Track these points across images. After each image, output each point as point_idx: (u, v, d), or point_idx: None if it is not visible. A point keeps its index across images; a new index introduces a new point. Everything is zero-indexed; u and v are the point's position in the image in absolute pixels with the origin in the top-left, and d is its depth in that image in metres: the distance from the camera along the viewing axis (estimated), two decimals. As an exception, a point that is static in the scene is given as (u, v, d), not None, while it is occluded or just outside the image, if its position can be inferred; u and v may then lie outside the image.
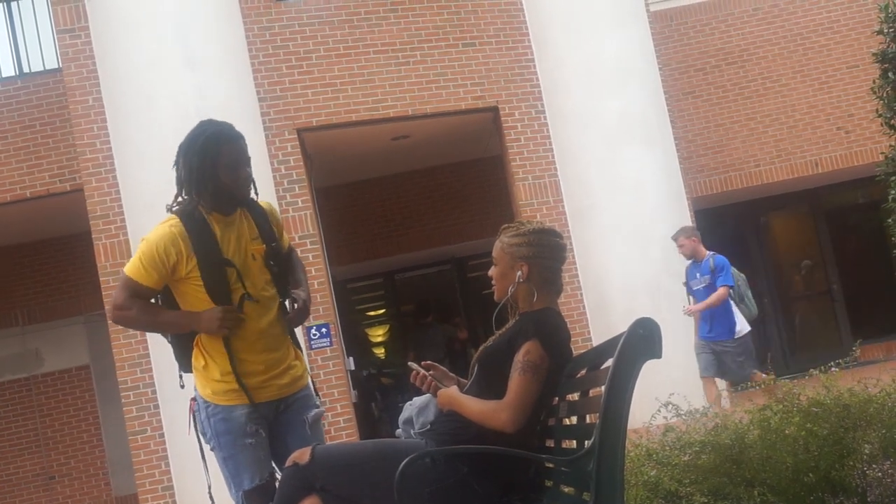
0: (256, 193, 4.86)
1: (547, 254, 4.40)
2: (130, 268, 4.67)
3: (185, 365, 4.89)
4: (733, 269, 11.88)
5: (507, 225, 4.54)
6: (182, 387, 4.97)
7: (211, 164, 4.63)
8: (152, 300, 4.77)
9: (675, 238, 12.09)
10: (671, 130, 14.48)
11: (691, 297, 12.14)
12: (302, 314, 4.87)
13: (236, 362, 4.69)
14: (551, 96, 14.18)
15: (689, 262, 12.09)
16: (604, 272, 13.81)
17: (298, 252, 12.24)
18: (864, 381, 6.48)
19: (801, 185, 18.23)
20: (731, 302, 11.82)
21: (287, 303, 4.88)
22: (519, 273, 4.36)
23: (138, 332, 12.24)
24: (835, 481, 5.80)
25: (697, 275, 11.95)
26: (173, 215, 4.69)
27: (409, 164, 16.87)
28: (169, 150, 4.82)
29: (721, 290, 11.63)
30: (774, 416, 6.15)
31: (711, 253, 11.91)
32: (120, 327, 12.29)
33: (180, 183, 4.74)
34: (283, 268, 4.93)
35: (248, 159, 4.74)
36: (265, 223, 4.89)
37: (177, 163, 4.74)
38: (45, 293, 16.63)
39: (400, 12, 13.82)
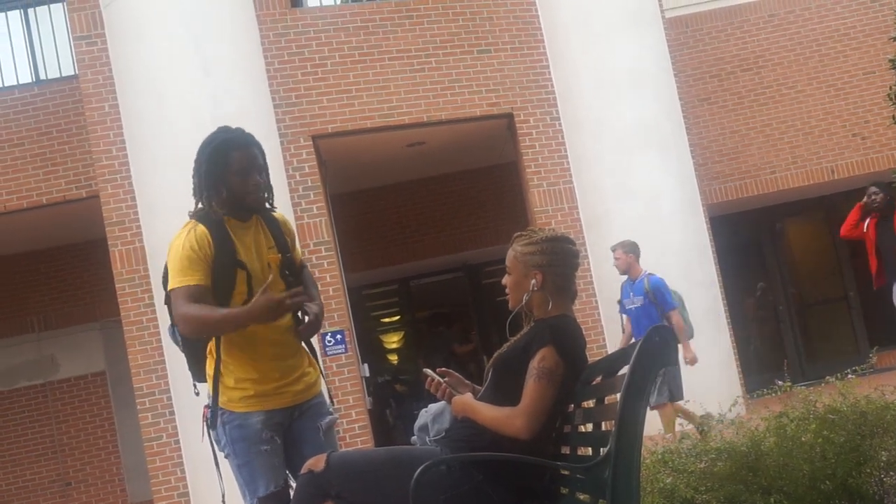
0: (272, 202, 4.85)
1: (560, 261, 4.40)
2: (173, 281, 4.58)
3: (199, 374, 4.88)
4: (671, 289, 11.49)
5: (519, 233, 4.53)
6: (197, 394, 4.96)
7: (221, 170, 4.64)
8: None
9: (612, 249, 11.73)
10: (686, 137, 14.46)
11: (624, 316, 11.77)
12: (313, 328, 4.85)
13: (245, 368, 4.69)
14: (566, 103, 14.17)
15: (624, 279, 11.68)
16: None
17: (313, 259, 12.28)
18: (880, 388, 6.46)
19: (817, 192, 18.18)
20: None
21: (299, 315, 4.87)
22: (533, 281, 4.36)
23: (154, 339, 12.30)
24: (852, 489, 5.77)
25: (631, 294, 11.52)
26: (192, 220, 4.69)
27: (424, 170, 16.88)
28: (184, 157, 4.83)
29: (674, 318, 11.10)
30: (791, 423, 6.13)
31: (647, 272, 11.45)
32: (136, 332, 12.36)
33: (195, 189, 4.75)
34: (297, 279, 4.93)
35: (260, 166, 4.72)
36: (279, 234, 4.89)
37: (193, 169, 4.76)
38: (60, 300, 16.68)
39: (415, 19, 13.84)
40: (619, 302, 11.78)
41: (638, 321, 11.37)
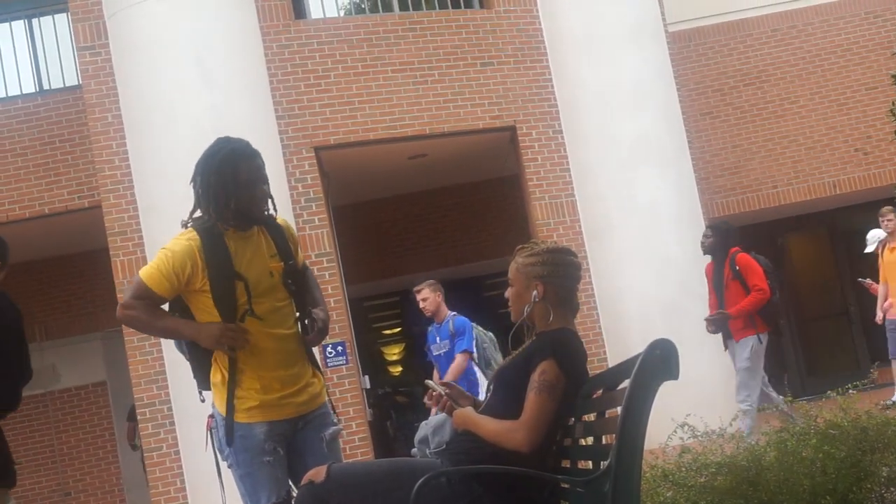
0: (275, 210, 4.87)
1: (562, 273, 4.41)
2: (146, 272, 4.67)
3: (203, 381, 4.89)
4: (479, 330, 10.74)
5: (521, 246, 4.54)
6: (202, 401, 4.97)
7: (228, 181, 4.65)
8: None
9: (417, 290, 10.80)
10: (688, 151, 14.47)
11: (436, 365, 10.85)
12: (321, 334, 4.87)
13: (248, 378, 4.69)
14: (569, 116, 14.18)
15: (432, 323, 10.83)
16: (620, 293, 13.79)
17: (315, 270, 12.28)
18: (881, 403, 6.46)
19: (819, 207, 18.18)
20: (476, 369, 10.49)
21: (307, 322, 4.87)
22: (534, 293, 4.36)
23: (154, 350, 12.29)
24: (852, 504, 5.77)
25: (438, 339, 10.69)
26: (192, 229, 4.71)
27: (426, 183, 16.89)
28: (187, 167, 4.84)
29: (458, 359, 10.32)
30: (791, 438, 6.13)
31: (452, 314, 10.66)
32: (137, 343, 12.35)
33: (198, 200, 4.76)
34: (301, 286, 4.93)
35: (265, 177, 4.75)
36: (282, 241, 4.89)
37: (194, 180, 4.75)
38: (62, 309, 16.70)
39: (418, 31, 13.86)
40: (427, 349, 10.95)
41: (444, 368, 10.52)
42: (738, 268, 10.62)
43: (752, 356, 10.56)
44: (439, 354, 10.63)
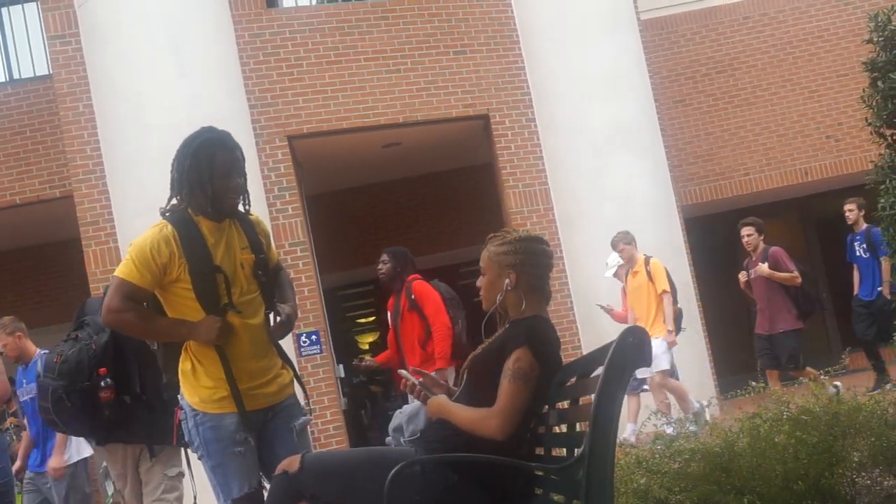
0: (249, 205, 4.85)
1: (534, 261, 4.42)
2: (123, 270, 4.63)
3: (172, 369, 4.86)
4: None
5: (493, 234, 4.55)
6: (165, 398, 4.92)
7: (203, 167, 4.64)
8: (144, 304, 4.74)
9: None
10: (661, 139, 14.50)
11: (21, 411, 9.77)
12: (284, 328, 4.86)
13: (230, 368, 4.68)
14: (542, 104, 14.19)
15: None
16: (593, 280, 13.81)
17: (288, 259, 12.24)
18: (853, 388, 6.50)
19: (791, 194, 18.26)
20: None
21: (271, 316, 4.87)
22: (507, 281, 4.37)
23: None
24: (824, 489, 5.80)
25: (24, 381, 9.33)
26: (164, 220, 4.69)
27: (400, 171, 16.87)
28: (159, 158, 4.83)
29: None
30: (764, 424, 6.16)
31: (42, 352, 8.83)
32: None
33: (172, 183, 4.75)
34: (271, 279, 4.92)
35: (241, 170, 4.74)
36: (253, 234, 4.89)
37: (172, 164, 4.75)
38: (34, 300, 16.59)
39: (391, 20, 13.83)
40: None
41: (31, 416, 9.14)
42: (413, 297, 9.95)
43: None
44: (26, 400, 9.21)
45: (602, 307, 12.38)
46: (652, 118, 14.40)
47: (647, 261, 11.88)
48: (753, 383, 6.90)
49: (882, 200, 8.12)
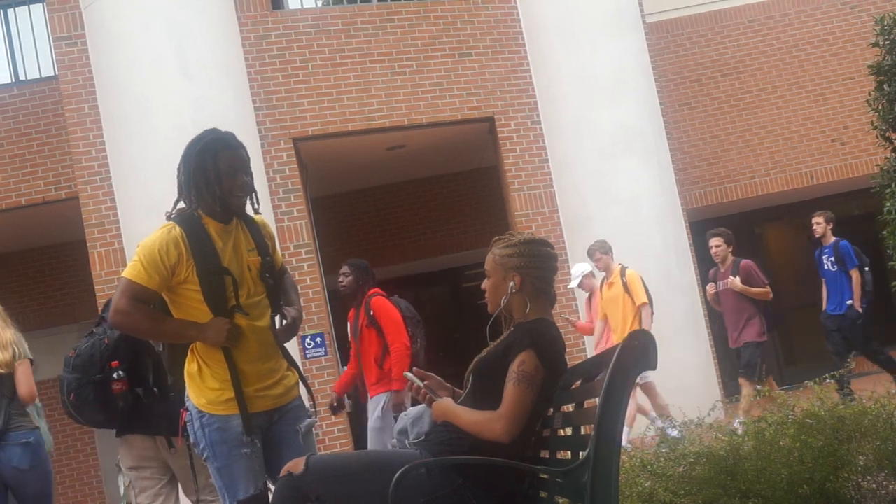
0: (257, 204, 4.86)
1: (538, 264, 4.41)
2: (131, 271, 4.61)
3: (178, 370, 4.86)
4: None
5: (498, 237, 4.55)
6: (169, 396, 4.92)
7: (209, 167, 4.65)
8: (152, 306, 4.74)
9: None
10: (667, 142, 14.49)
11: None
12: (290, 331, 4.87)
13: (236, 371, 4.68)
14: (547, 107, 14.19)
15: None
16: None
17: (293, 261, 12.24)
18: (858, 392, 6.49)
19: (797, 197, 18.23)
20: None
21: (277, 318, 4.87)
22: (511, 284, 4.37)
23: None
24: (829, 493, 5.80)
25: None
26: (171, 222, 4.69)
27: (405, 174, 16.87)
28: (164, 159, 4.84)
29: None
30: (769, 427, 6.15)
31: None
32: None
33: (180, 187, 4.75)
34: (277, 282, 4.93)
35: (247, 169, 4.75)
36: (260, 237, 4.89)
37: (178, 167, 4.75)
38: (39, 301, 16.61)
39: (396, 22, 13.83)
40: None
41: None
42: (372, 313, 9.57)
43: (384, 414, 9.52)
44: None
45: (566, 319, 12.20)
46: (657, 121, 14.38)
47: (622, 271, 11.64)
48: (758, 387, 6.89)
49: (888, 204, 8.10)
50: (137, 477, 6.87)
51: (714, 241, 12.09)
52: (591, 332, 12.22)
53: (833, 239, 12.99)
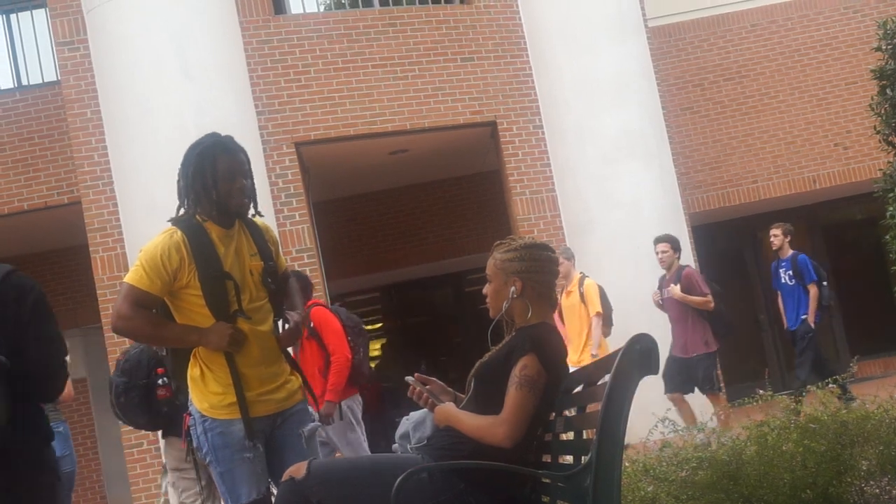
0: (256, 208, 4.85)
1: (539, 268, 4.41)
2: (132, 276, 4.62)
3: (181, 375, 4.86)
4: None
5: (499, 242, 4.55)
6: (174, 394, 4.94)
7: (207, 172, 4.65)
8: (154, 311, 4.74)
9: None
10: (669, 146, 14.49)
11: None
12: (293, 335, 4.86)
13: (238, 376, 4.67)
14: (549, 111, 14.19)
15: None
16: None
17: (295, 266, 12.23)
18: (861, 397, 6.48)
19: (799, 202, 18.23)
20: None
21: (280, 323, 4.86)
22: (512, 289, 4.37)
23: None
24: (832, 498, 5.79)
25: None
26: (172, 227, 4.69)
27: (407, 178, 16.87)
28: (166, 163, 4.84)
29: None
30: (772, 432, 6.14)
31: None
32: (117, 339, 12.28)
33: (179, 191, 4.75)
34: (280, 286, 4.92)
35: (245, 171, 4.74)
36: (262, 241, 4.89)
37: (179, 172, 4.76)
38: (42, 305, 16.58)
39: (399, 27, 13.84)
40: None
41: None
42: (312, 325, 9.19)
43: (343, 417, 9.18)
44: None
45: None
46: (659, 125, 14.38)
47: (581, 280, 11.43)
48: (761, 391, 6.88)
49: (890, 209, 8.11)
50: (180, 477, 7.12)
51: (660, 247, 11.71)
52: None
53: (791, 252, 12.85)
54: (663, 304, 11.76)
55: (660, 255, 11.70)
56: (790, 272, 12.74)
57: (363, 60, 13.62)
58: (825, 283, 12.75)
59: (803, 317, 12.56)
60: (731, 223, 18.60)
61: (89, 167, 12.69)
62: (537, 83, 14.28)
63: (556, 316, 11.51)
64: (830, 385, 6.66)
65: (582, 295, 11.29)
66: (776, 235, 12.91)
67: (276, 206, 12.71)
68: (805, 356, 12.56)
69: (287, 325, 4.84)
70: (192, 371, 4.77)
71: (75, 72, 12.83)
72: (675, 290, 11.41)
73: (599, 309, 11.20)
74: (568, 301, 11.41)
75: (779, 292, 13.06)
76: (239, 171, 4.71)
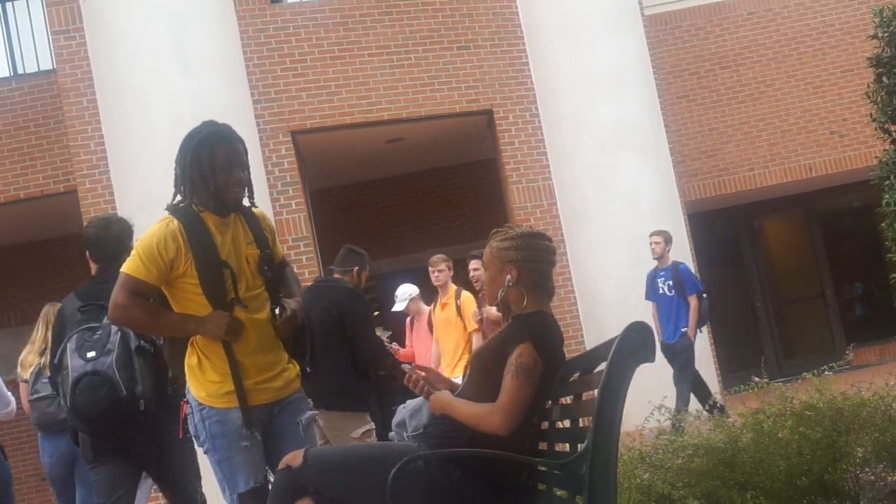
0: (252, 199, 4.85)
1: (535, 257, 4.41)
2: (129, 265, 4.61)
3: (179, 364, 4.86)
4: None
5: (496, 230, 4.55)
6: (170, 392, 4.93)
7: (204, 161, 4.64)
8: (151, 300, 4.74)
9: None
10: (665, 134, 14.49)
11: None
12: (290, 323, 4.85)
13: (235, 364, 4.68)
14: (546, 100, 14.19)
15: None
16: (597, 276, 13.82)
17: (292, 255, 12.22)
18: (857, 384, 6.49)
19: (795, 190, 18.26)
20: None
21: (276, 311, 4.86)
22: (508, 277, 4.37)
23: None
24: (828, 485, 5.81)
25: None
26: (169, 216, 4.68)
27: (404, 166, 16.87)
28: (163, 152, 4.84)
29: None
30: (768, 419, 6.15)
31: None
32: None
33: (176, 179, 4.75)
34: (276, 274, 4.92)
35: (243, 163, 4.73)
36: (259, 229, 4.88)
37: (175, 161, 4.74)
38: (38, 294, 16.54)
39: (395, 15, 13.82)
40: None
41: None
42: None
43: None
44: None
45: (389, 347, 10.93)
46: (656, 114, 14.38)
47: (458, 293, 10.79)
48: (757, 378, 6.88)
49: (886, 196, 8.10)
50: None
51: (473, 265, 10.73)
52: (413, 359, 11.31)
53: (671, 261, 12.16)
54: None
55: (472, 274, 10.89)
56: (669, 282, 12.03)
57: (359, 49, 13.61)
58: (705, 294, 12.07)
59: (683, 329, 11.86)
60: (728, 211, 18.62)
61: (85, 156, 12.68)
62: (534, 72, 14.28)
63: (426, 329, 11.22)
64: (826, 371, 6.65)
65: (458, 308, 10.67)
66: (657, 243, 12.13)
67: (272, 195, 12.71)
68: (685, 372, 11.82)
69: (285, 314, 4.83)
70: (190, 360, 4.76)
71: (71, 60, 12.81)
72: (492, 311, 9.98)
73: (476, 325, 10.48)
74: (443, 314, 10.84)
75: (654, 303, 12.25)
76: (236, 162, 4.70)
